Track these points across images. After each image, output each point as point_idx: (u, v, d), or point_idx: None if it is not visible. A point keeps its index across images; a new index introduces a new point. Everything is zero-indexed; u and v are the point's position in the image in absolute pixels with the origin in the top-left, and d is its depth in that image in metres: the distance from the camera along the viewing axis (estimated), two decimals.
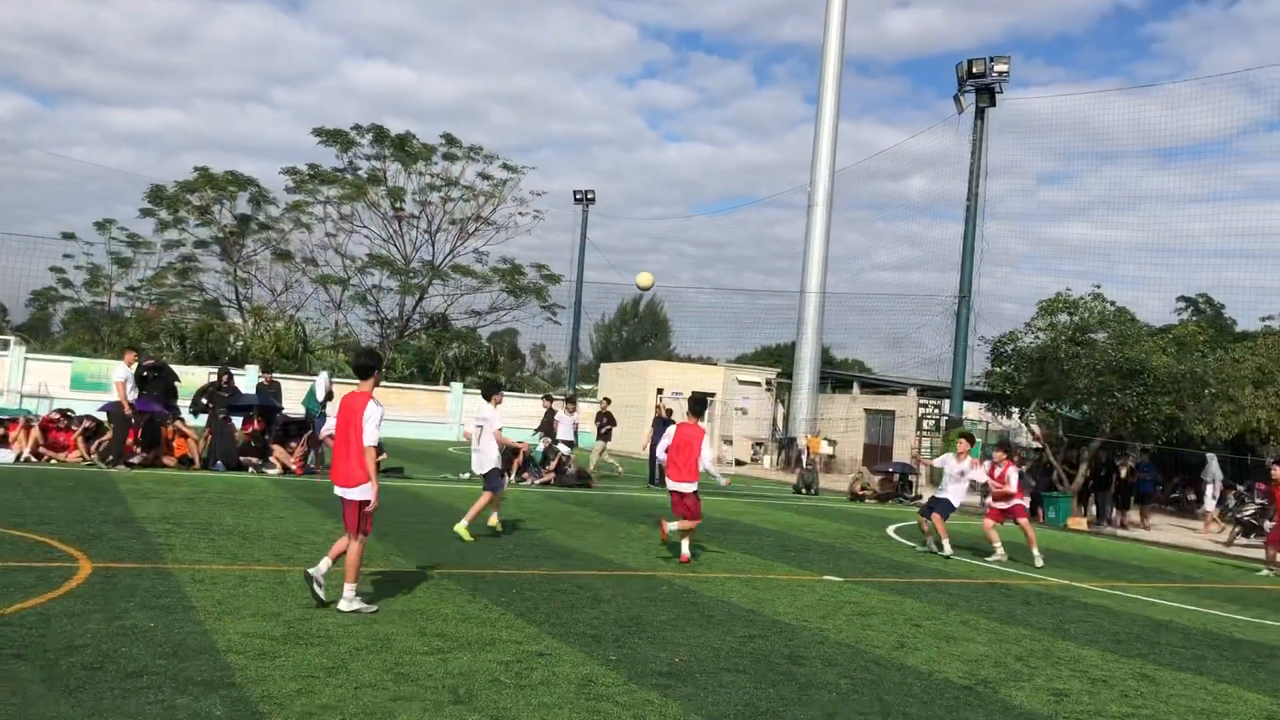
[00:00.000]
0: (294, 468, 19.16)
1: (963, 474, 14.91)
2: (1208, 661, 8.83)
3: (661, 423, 24.64)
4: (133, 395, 18.05)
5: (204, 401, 19.58)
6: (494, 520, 13.04)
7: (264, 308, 49.86)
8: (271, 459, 19.16)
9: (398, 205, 52.10)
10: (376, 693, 5.78)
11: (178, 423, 19.38)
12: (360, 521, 7.89)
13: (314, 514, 13.54)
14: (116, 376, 18.16)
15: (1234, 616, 11.68)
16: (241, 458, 18.91)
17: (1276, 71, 36.68)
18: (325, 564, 7.94)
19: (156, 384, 20.11)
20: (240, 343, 43.45)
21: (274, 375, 22.46)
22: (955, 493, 14.90)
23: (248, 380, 30.05)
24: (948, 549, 14.73)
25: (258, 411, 19.74)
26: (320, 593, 7.79)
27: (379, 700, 5.64)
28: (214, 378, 20.01)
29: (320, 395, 20.70)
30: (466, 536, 12.05)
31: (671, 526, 12.14)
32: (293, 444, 19.57)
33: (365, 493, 7.84)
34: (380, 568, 9.85)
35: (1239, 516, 22.72)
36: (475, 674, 6.34)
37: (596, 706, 5.87)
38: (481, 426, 12.64)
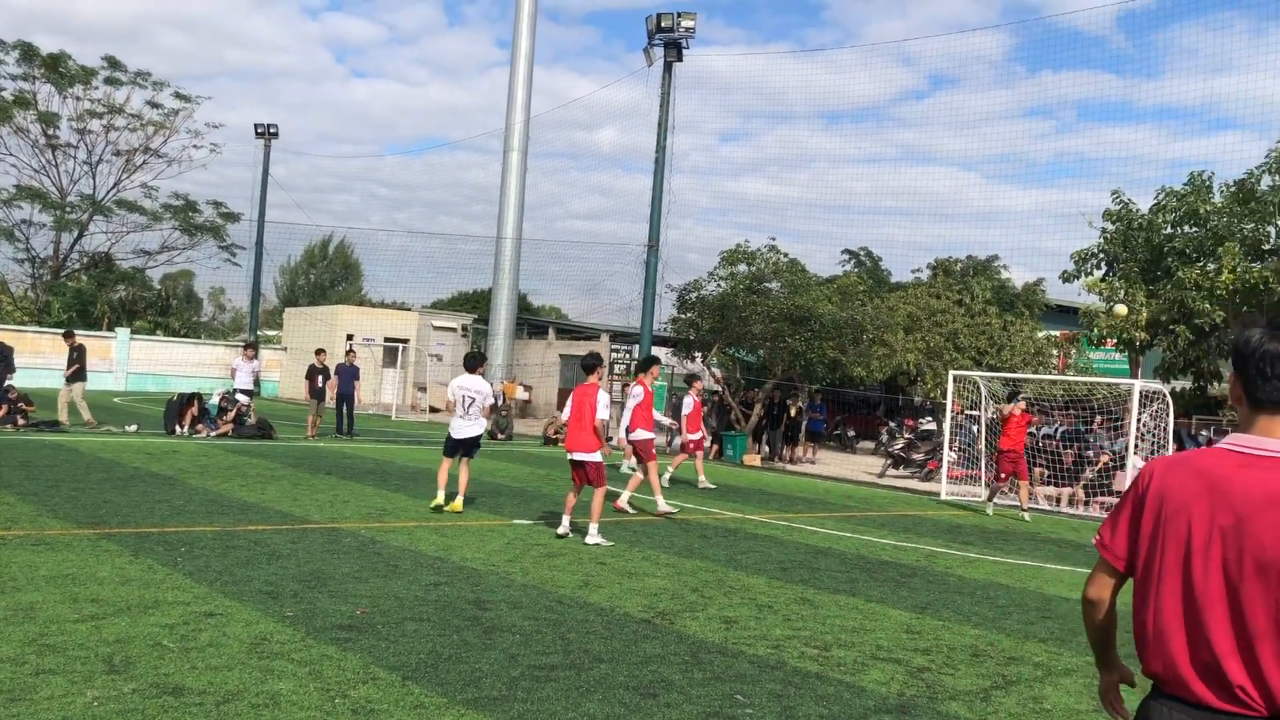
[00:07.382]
0: None
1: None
2: (859, 583, 9.67)
3: (347, 369, 23.96)
4: None
5: None
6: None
7: None
8: None
9: (50, 132, 46.99)
10: (15, 668, 5.24)
11: None
12: (599, 476, 10.85)
13: None
14: None
15: (882, 541, 12.87)
16: None
17: (926, 44, 39.93)
18: (566, 522, 10.86)
19: None
20: None
21: None
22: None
23: None
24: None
25: None
26: (569, 533, 10.78)
27: (18, 676, 5.12)
28: None
29: None
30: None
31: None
32: None
33: (599, 455, 10.94)
34: (26, 531, 8.95)
35: (890, 450, 25.04)
36: (134, 640, 5.90)
37: (270, 665, 5.62)
38: (473, 400, 12.46)
